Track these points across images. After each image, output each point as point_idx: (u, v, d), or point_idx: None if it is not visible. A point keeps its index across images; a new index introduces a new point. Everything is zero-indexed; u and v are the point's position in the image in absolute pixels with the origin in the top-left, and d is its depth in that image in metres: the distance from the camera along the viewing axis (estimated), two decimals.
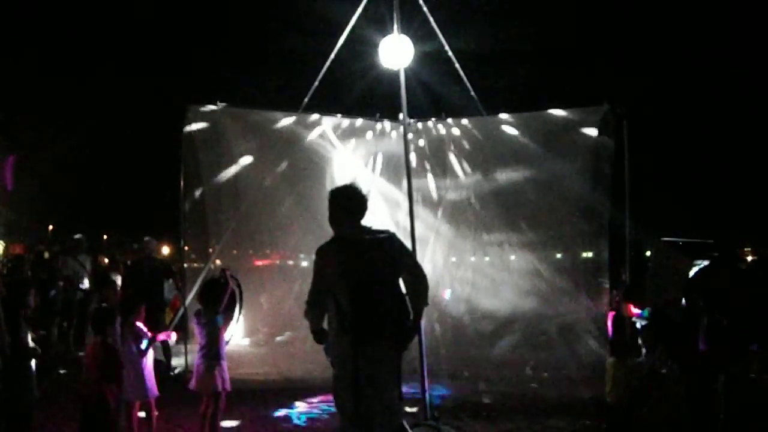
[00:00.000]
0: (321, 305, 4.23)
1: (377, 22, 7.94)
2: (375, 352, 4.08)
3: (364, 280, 4.11)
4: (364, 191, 4.44)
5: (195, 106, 8.47)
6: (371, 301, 4.10)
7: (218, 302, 5.83)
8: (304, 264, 10.24)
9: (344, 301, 4.09)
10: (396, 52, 7.48)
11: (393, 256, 4.23)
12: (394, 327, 4.15)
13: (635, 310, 8.16)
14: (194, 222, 8.84)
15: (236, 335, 10.85)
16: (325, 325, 4.31)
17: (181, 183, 8.39)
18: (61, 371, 8.52)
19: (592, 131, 8.60)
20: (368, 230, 4.32)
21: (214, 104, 8.65)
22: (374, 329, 4.08)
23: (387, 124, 9.47)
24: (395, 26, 7.53)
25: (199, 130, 8.59)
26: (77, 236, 11.30)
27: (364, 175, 9.53)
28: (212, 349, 5.71)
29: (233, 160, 9.03)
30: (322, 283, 4.20)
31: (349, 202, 4.35)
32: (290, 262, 10.75)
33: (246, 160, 9.10)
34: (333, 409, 6.98)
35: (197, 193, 8.72)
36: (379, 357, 4.10)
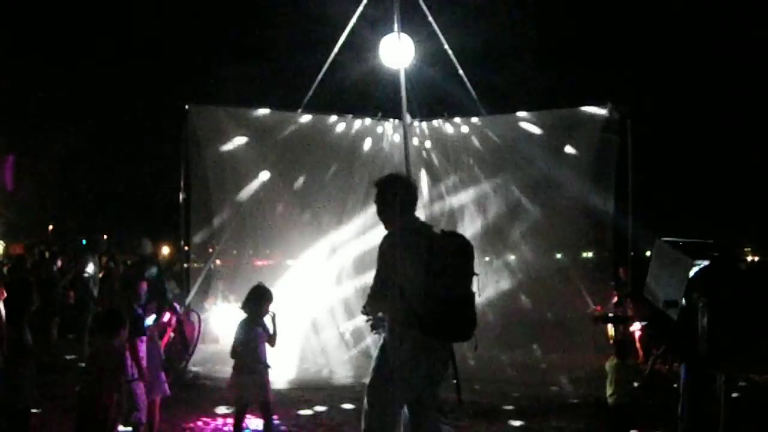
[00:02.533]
0: (384, 296, 3.99)
1: (378, 22, 7.94)
2: (442, 354, 3.96)
3: (442, 276, 3.88)
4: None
5: (195, 106, 8.48)
6: (446, 299, 3.88)
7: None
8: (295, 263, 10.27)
9: (416, 294, 3.87)
10: (396, 51, 7.48)
11: (467, 259, 4.03)
12: (463, 330, 4.01)
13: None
14: (194, 222, 8.84)
15: None
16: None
17: (181, 183, 8.39)
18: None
19: (595, 130, 8.60)
20: (432, 225, 4.19)
21: (214, 104, 8.66)
22: (445, 330, 3.91)
23: (387, 123, 9.46)
24: (396, 25, 7.54)
25: (198, 130, 8.59)
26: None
27: (363, 173, 9.52)
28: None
29: (233, 160, 9.03)
30: (391, 272, 3.94)
31: (406, 191, 4.14)
32: (290, 263, 10.74)
33: (246, 159, 9.09)
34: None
35: (197, 193, 8.72)
36: (444, 358, 4.00)
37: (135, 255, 13.05)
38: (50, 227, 26.77)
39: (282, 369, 8.78)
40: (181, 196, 8.41)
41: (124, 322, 5.09)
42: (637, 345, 9.40)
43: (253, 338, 5.38)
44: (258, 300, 5.46)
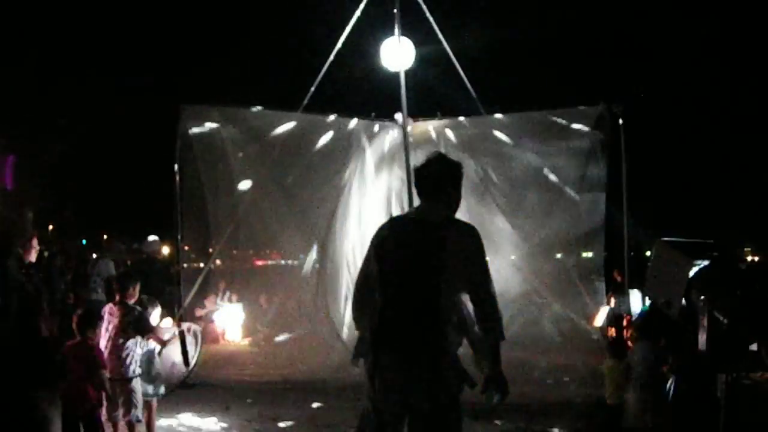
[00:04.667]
0: (367, 296, 3.41)
1: (375, 24, 7.95)
2: (400, 372, 3.20)
3: (397, 270, 3.28)
4: (442, 165, 3.53)
5: (190, 106, 8.43)
6: (399, 299, 3.25)
7: None
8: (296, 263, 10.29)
9: (378, 292, 3.32)
10: (397, 54, 7.50)
11: (450, 253, 3.24)
12: (425, 346, 3.20)
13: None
14: (193, 222, 8.84)
15: (236, 335, 10.91)
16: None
17: (177, 183, 8.35)
18: None
19: (588, 131, 8.62)
20: (430, 213, 3.40)
21: (210, 104, 8.63)
22: (395, 339, 3.22)
23: (383, 123, 9.47)
24: (396, 28, 7.54)
25: (194, 130, 8.56)
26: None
27: (359, 174, 9.53)
28: None
29: (229, 160, 9.01)
30: (367, 268, 3.44)
31: (417, 177, 3.54)
32: (290, 262, 10.75)
33: (242, 159, 9.07)
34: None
35: (195, 193, 8.70)
36: (410, 382, 3.18)
37: (136, 254, 13.08)
38: (50, 227, 26.76)
39: (279, 367, 8.83)
40: (176, 196, 8.38)
41: (96, 319, 5.31)
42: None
43: None
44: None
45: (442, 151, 9.59)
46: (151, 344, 5.78)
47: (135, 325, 5.47)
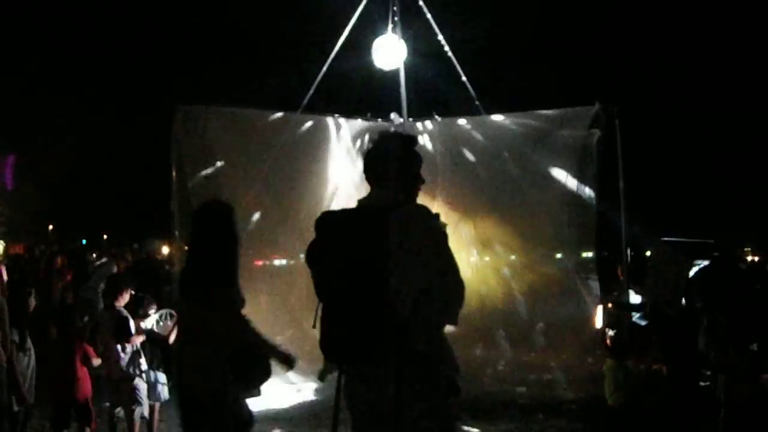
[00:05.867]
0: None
1: (373, 21, 7.93)
2: (363, 384, 2.74)
3: (343, 269, 2.73)
4: (391, 142, 3.06)
5: (185, 107, 8.40)
6: (350, 302, 2.71)
7: None
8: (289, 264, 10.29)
9: (322, 303, 2.83)
10: (389, 51, 7.48)
11: (400, 243, 2.65)
12: (386, 350, 2.63)
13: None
14: (190, 222, 8.78)
15: None
16: None
17: (173, 183, 8.32)
18: None
19: (584, 131, 8.60)
20: (375, 200, 2.90)
21: (205, 105, 8.60)
22: (355, 348, 2.70)
23: (379, 123, 9.45)
24: (390, 25, 7.52)
25: (190, 131, 8.53)
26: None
27: (355, 174, 9.51)
28: None
29: (226, 160, 8.97)
30: (315, 270, 2.94)
31: (365, 164, 3.08)
32: (290, 262, 10.73)
33: (239, 160, 9.04)
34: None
35: (190, 194, 8.65)
36: (374, 396, 2.71)
37: (135, 254, 13.08)
38: (50, 227, 26.79)
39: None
40: (173, 196, 8.35)
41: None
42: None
43: None
44: None
45: (439, 151, 9.64)
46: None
47: (115, 332, 5.51)
